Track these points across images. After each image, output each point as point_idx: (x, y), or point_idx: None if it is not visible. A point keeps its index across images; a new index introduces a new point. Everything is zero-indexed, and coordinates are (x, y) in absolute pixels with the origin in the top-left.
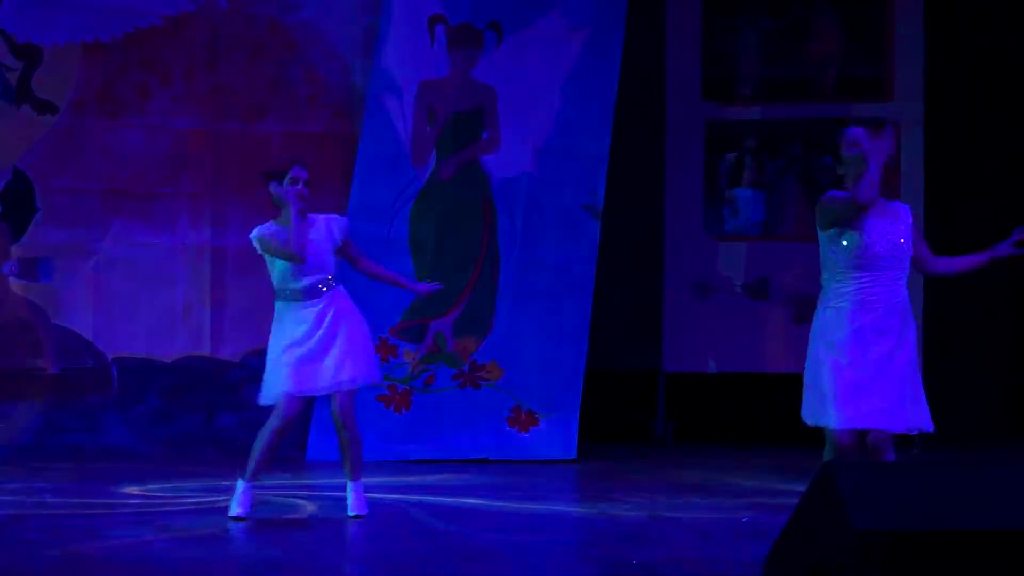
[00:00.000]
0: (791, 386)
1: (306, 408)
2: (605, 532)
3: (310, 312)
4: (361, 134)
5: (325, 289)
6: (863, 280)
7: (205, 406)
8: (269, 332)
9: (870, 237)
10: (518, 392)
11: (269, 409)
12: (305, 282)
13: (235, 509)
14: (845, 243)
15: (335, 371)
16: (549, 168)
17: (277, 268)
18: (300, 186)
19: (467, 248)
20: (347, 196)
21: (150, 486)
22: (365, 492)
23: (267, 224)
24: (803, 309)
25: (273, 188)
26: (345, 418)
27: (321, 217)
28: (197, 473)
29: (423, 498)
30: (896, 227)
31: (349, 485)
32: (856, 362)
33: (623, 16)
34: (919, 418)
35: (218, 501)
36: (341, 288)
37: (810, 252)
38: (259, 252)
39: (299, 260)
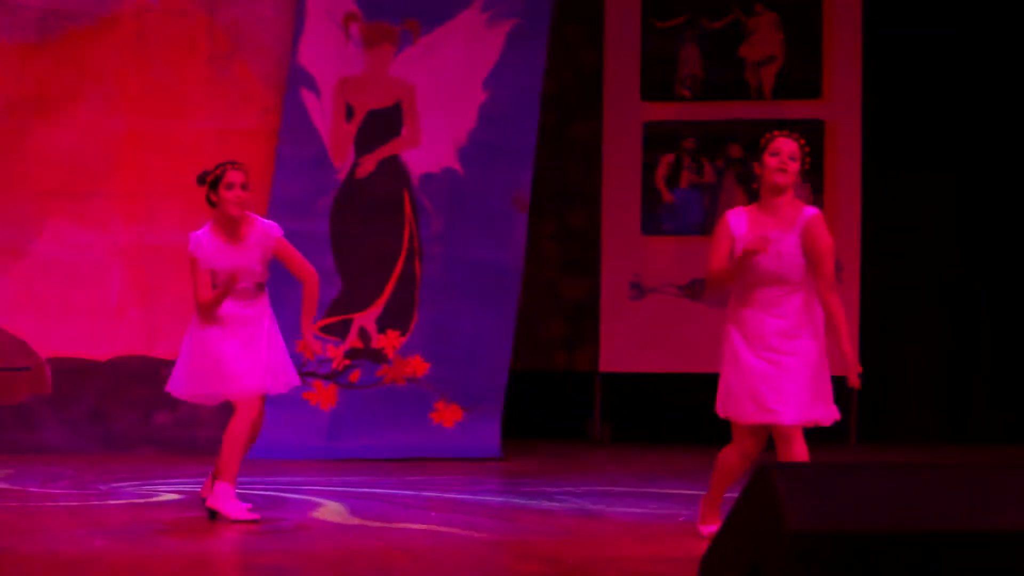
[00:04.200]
0: None
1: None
2: (539, 530)
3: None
4: (281, 130)
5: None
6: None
7: (140, 404)
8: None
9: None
10: (442, 387)
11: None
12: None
13: (239, 512)
14: None
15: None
16: (473, 163)
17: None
18: (237, 190)
19: (389, 244)
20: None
21: (86, 484)
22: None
23: (204, 232)
24: None
25: (209, 196)
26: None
27: (259, 223)
28: (133, 471)
29: (351, 492)
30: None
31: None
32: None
33: (548, 7)
34: None
35: (153, 498)
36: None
37: None
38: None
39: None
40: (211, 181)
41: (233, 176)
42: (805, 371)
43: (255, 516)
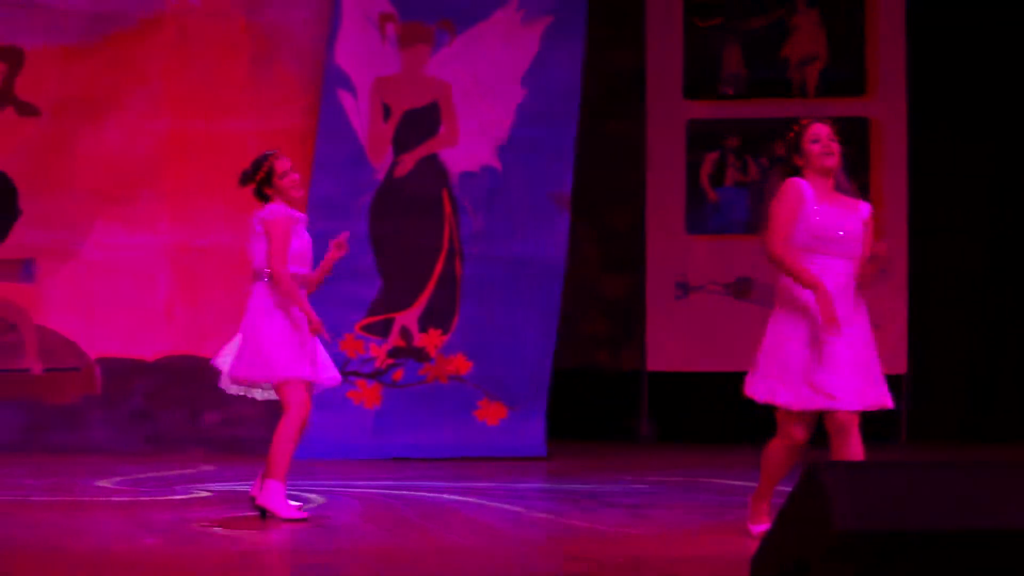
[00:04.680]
0: None
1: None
2: (585, 529)
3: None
4: (318, 131)
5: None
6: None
7: (188, 404)
8: None
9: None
10: (486, 385)
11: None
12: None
13: (290, 511)
14: None
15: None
16: (512, 161)
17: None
18: (292, 175)
19: (428, 242)
20: None
21: (135, 484)
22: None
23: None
24: None
25: (263, 190)
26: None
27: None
28: (181, 470)
29: (398, 493)
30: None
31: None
32: None
33: (583, 5)
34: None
35: (202, 497)
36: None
37: None
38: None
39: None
40: (263, 177)
41: (282, 164)
42: (862, 354)
43: (304, 515)
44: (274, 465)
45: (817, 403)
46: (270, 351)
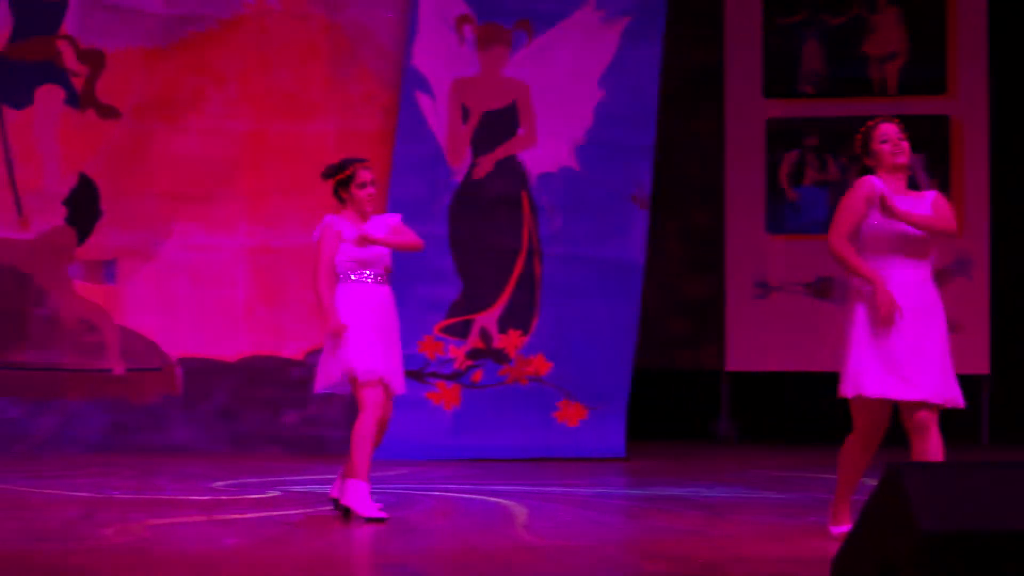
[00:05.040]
0: None
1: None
2: (666, 529)
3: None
4: (397, 133)
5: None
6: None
7: (268, 404)
8: None
9: None
10: (566, 385)
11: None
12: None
13: (371, 511)
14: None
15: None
16: (590, 161)
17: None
18: (369, 188)
19: (508, 243)
20: None
21: (216, 483)
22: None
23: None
24: None
25: (339, 192)
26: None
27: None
28: (262, 470)
29: (477, 494)
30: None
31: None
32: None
33: (662, 5)
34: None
35: (282, 497)
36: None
37: None
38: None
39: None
40: (342, 180)
41: (364, 175)
42: (936, 351)
43: (384, 515)
44: (354, 465)
45: (896, 391)
46: (343, 352)
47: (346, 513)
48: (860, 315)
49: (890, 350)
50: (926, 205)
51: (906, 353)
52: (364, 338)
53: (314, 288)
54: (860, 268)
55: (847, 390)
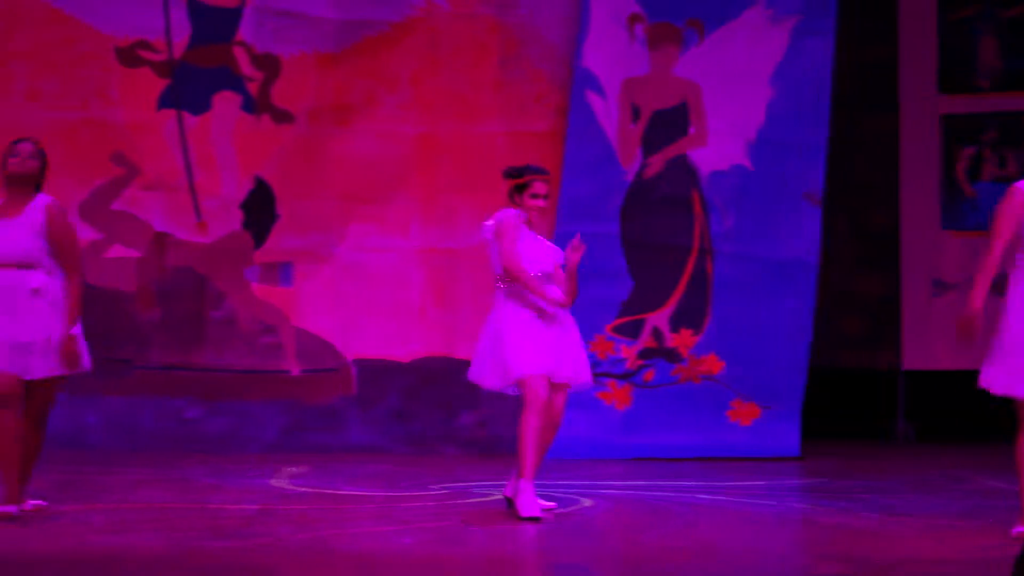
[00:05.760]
0: None
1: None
2: (840, 530)
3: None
4: (568, 133)
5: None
6: None
7: (443, 405)
8: None
9: None
10: (739, 385)
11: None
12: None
13: (530, 510)
14: None
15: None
16: (762, 159)
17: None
18: (540, 201)
19: (679, 242)
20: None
21: (391, 483)
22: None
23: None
24: None
25: (513, 195)
26: (560, 417)
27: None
28: (436, 470)
29: (649, 493)
30: None
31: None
32: None
33: (834, 2)
34: None
35: (456, 497)
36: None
37: None
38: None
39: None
40: (518, 186)
41: (539, 187)
42: None
43: (541, 514)
44: (521, 463)
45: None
46: (506, 352)
47: (509, 503)
48: (1015, 311)
49: None
50: None
51: None
52: (527, 335)
53: (521, 275)
54: (984, 269)
55: (996, 386)
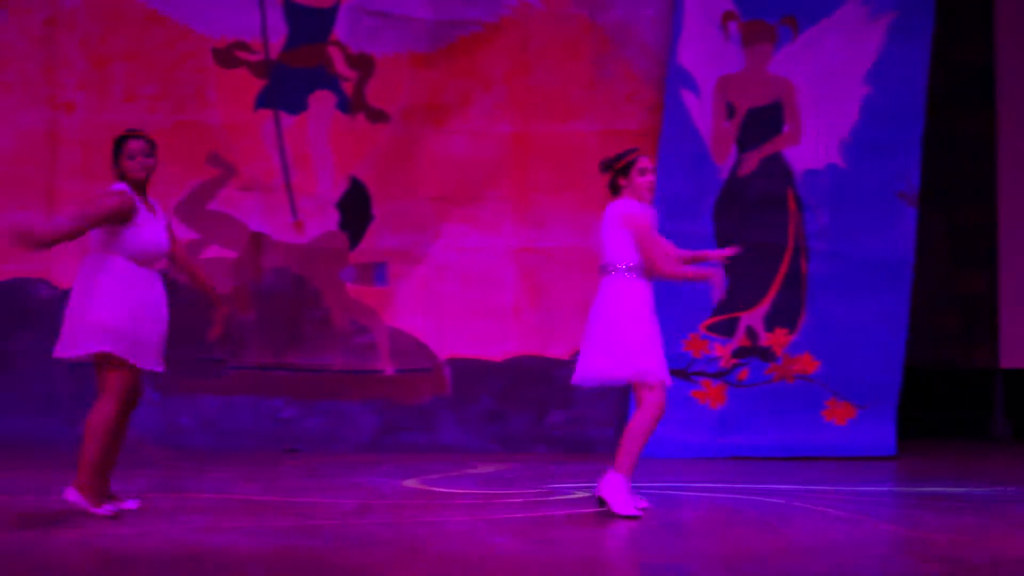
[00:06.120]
0: None
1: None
2: (940, 529)
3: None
4: (662, 131)
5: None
6: None
7: (535, 404)
8: None
9: None
10: (834, 384)
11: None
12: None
13: (627, 508)
14: None
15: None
16: (857, 158)
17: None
18: (650, 175)
19: (773, 241)
20: None
21: (485, 484)
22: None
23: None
24: None
25: (618, 180)
26: None
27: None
28: (530, 469)
29: (743, 493)
30: None
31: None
32: None
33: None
34: None
35: (549, 496)
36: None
37: None
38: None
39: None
40: (622, 167)
41: (645, 162)
42: None
43: (638, 514)
44: (621, 460)
45: None
46: (636, 350)
47: (600, 503)
48: None
49: None
50: None
51: None
52: (652, 337)
53: (667, 271)
54: None
55: None
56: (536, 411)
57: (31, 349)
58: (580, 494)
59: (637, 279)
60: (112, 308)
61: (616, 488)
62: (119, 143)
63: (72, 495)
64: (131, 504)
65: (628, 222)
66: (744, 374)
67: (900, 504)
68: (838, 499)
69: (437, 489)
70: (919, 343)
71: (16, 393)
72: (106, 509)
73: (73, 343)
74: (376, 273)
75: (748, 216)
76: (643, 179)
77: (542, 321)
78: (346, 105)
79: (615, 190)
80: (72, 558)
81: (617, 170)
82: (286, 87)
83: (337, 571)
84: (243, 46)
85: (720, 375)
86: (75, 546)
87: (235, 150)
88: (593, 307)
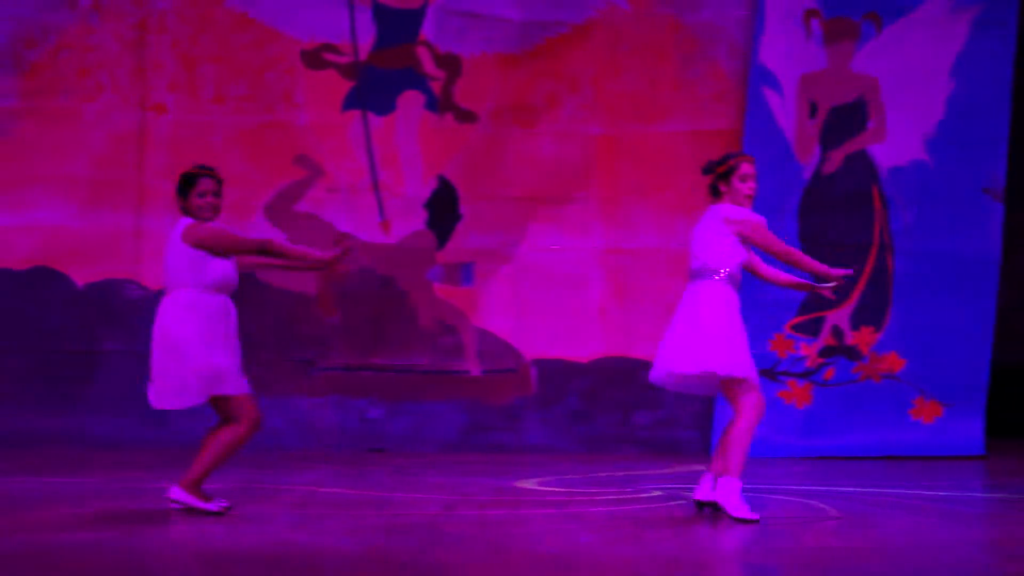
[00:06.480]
0: None
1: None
2: None
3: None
4: (745, 130)
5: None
6: None
7: (621, 405)
8: None
9: None
10: (921, 383)
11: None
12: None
13: (743, 511)
14: None
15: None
16: (942, 154)
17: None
18: (751, 182)
19: (859, 239)
20: None
21: (570, 484)
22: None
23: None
24: None
25: (718, 185)
26: None
27: None
28: (615, 470)
29: (832, 493)
30: None
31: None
32: None
33: None
34: None
35: (635, 497)
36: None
37: None
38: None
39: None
40: (724, 172)
41: (747, 168)
42: None
43: (756, 516)
44: (732, 463)
45: None
46: (732, 349)
47: (715, 508)
48: None
49: None
50: None
51: None
52: (741, 336)
53: (794, 259)
54: None
55: None
56: (622, 412)
57: (121, 350)
58: (657, 492)
59: (727, 286)
60: (216, 351)
61: (730, 492)
62: (190, 178)
63: (178, 493)
64: (221, 505)
65: (739, 226)
66: (830, 373)
67: (987, 503)
68: (926, 498)
69: (524, 487)
70: (1006, 341)
71: (106, 393)
72: (215, 505)
73: (185, 393)
74: (463, 273)
75: (833, 214)
76: (744, 185)
77: (628, 322)
78: (435, 105)
79: (715, 193)
80: (167, 557)
81: (719, 174)
82: (375, 88)
83: (425, 570)
84: (331, 48)
85: (806, 375)
86: (170, 545)
87: (322, 151)
88: (680, 308)
